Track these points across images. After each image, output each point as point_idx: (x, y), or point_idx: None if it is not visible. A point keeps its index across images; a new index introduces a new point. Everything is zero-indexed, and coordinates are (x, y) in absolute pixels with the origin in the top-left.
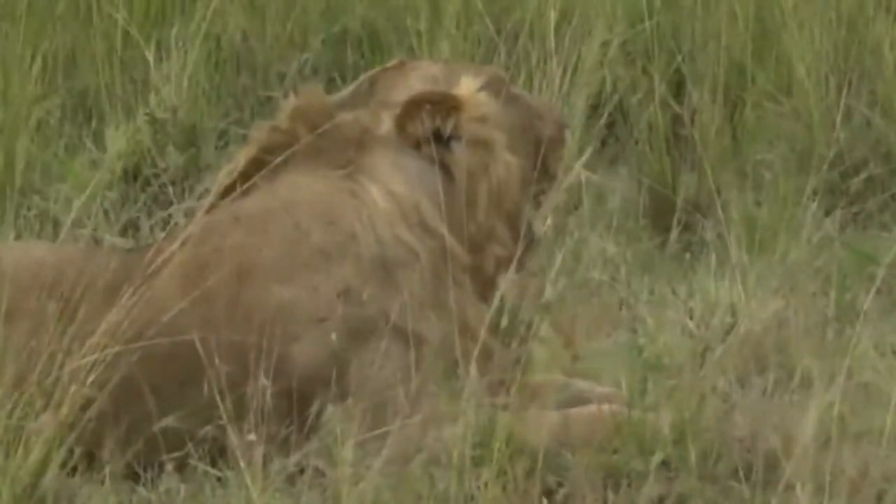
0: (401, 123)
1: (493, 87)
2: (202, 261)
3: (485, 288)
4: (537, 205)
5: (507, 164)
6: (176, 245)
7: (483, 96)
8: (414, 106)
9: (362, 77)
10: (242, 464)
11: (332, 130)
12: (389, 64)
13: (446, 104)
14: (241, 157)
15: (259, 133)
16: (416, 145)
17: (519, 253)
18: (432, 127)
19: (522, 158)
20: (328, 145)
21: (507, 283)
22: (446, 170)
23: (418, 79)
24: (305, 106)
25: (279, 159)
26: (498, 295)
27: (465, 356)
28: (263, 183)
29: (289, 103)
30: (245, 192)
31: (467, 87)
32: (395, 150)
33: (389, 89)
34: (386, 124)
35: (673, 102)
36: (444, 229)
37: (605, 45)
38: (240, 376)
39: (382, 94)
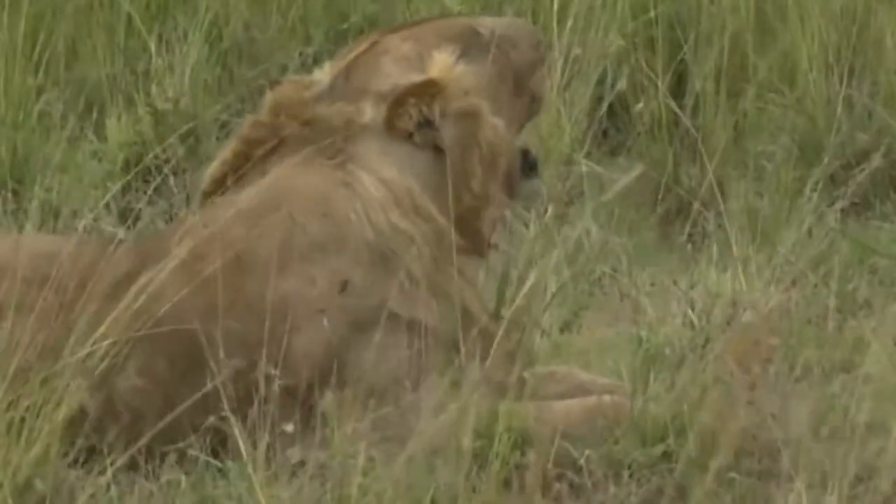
0: (390, 122)
1: (465, 51)
2: (199, 256)
3: (481, 247)
4: (527, 129)
5: (494, 127)
6: (173, 240)
7: (460, 69)
8: (399, 104)
9: (336, 62)
10: (245, 455)
11: (317, 122)
12: (360, 47)
13: (429, 91)
14: (226, 151)
15: (242, 128)
16: (409, 136)
17: (517, 181)
18: (420, 117)
19: (507, 110)
20: (316, 137)
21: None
22: (437, 149)
23: (390, 62)
24: (284, 100)
25: (266, 151)
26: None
27: (465, 342)
28: (255, 176)
29: (268, 98)
30: (237, 186)
31: (442, 62)
32: (380, 137)
33: (365, 77)
34: (368, 113)
35: (672, 102)
36: (438, 212)
37: (608, 35)
38: (241, 369)
39: (358, 82)
